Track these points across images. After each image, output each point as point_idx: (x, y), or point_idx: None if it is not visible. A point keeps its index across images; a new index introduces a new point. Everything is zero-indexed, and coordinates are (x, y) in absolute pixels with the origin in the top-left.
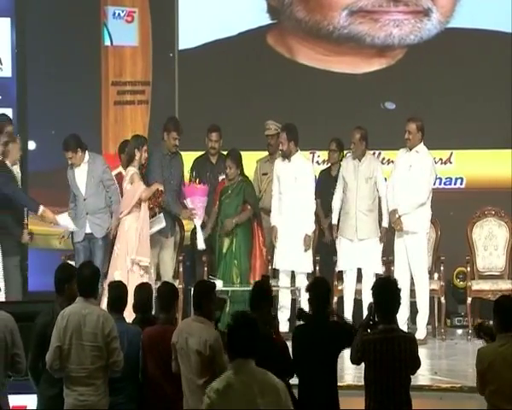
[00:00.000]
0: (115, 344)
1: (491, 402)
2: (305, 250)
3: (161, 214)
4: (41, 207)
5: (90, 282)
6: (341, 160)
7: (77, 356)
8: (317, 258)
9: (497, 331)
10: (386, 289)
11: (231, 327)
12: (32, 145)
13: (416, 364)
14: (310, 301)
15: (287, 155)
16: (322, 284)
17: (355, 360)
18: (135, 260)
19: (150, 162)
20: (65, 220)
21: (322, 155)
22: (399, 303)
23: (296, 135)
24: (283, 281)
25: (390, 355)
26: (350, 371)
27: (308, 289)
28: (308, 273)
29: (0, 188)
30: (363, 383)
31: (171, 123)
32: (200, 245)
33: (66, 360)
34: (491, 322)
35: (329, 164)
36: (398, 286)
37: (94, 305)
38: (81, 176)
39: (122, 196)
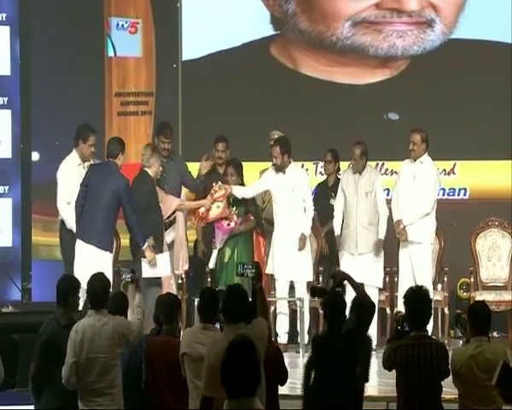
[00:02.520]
0: (133, 335)
1: (462, 403)
2: (300, 249)
3: (166, 254)
4: (146, 243)
5: (101, 294)
6: (337, 170)
7: (94, 369)
8: (321, 268)
9: (471, 335)
10: (418, 298)
11: (226, 298)
12: (35, 156)
13: (447, 372)
14: (325, 316)
15: (281, 168)
16: (338, 297)
17: (386, 366)
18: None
19: None
20: (164, 263)
21: None
22: (431, 312)
23: (289, 147)
24: (281, 290)
25: (422, 361)
26: None
27: (323, 303)
28: (308, 282)
29: (129, 202)
30: (370, 393)
31: (159, 127)
32: (212, 265)
33: (82, 374)
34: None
35: (326, 175)
36: (430, 296)
37: (106, 316)
38: None
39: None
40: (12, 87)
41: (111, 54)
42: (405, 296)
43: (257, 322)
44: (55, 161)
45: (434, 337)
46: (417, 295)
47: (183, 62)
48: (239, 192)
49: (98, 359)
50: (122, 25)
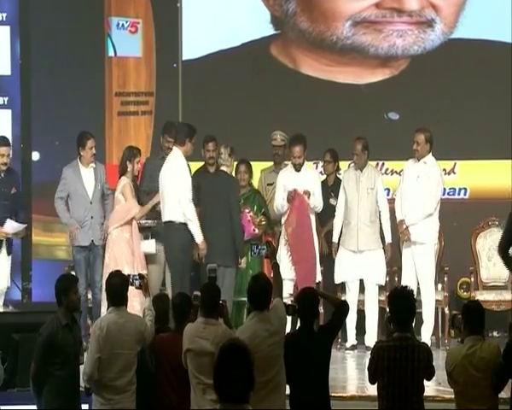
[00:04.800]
0: (148, 335)
1: (459, 402)
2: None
3: (153, 240)
4: None
5: (120, 291)
6: (337, 170)
7: (116, 365)
8: (321, 268)
9: (465, 335)
10: (402, 299)
11: (250, 286)
12: (35, 156)
13: (430, 372)
14: (298, 311)
15: (299, 168)
16: (310, 294)
17: (370, 373)
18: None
19: (143, 171)
20: (149, 247)
21: None
22: (415, 313)
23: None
24: (286, 290)
25: (403, 363)
26: (353, 382)
27: (296, 299)
28: (317, 284)
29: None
30: (366, 393)
31: (165, 126)
32: None
33: (104, 370)
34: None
35: (325, 175)
36: (414, 296)
37: (126, 313)
38: (88, 179)
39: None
40: (12, 87)
41: (111, 53)
42: (389, 297)
43: (276, 305)
44: (56, 161)
45: (434, 336)
46: (401, 296)
47: (183, 62)
48: (277, 215)
49: (121, 355)
50: (122, 24)
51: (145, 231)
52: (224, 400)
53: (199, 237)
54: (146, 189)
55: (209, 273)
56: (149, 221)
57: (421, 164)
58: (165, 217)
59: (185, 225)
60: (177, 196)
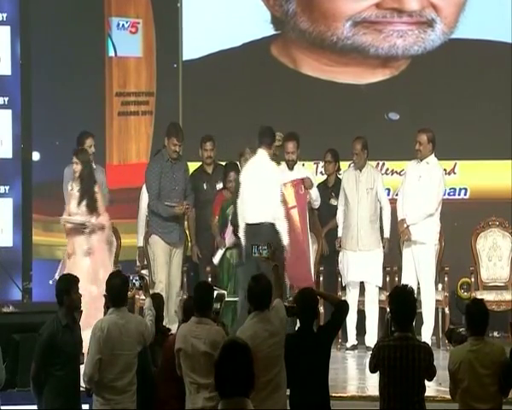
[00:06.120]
0: (148, 336)
1: (463, 401)
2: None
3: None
4: None
5: (120, 291)
6: (337, 170)
7: (116, 366)
8: (321, 268)
9: (468, 335)
10: (402, 298)
11: (251, 286)
12: (36, 156)
13: (431, 372)
14: (297, 312)
15: (292, 166)
16: (309, 294)
17: (371, 367)
18: None
19: (148, 172)
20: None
21: None
22: (415, 312)
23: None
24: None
25: (404, 362)
26: (353, 382)
27: (295, 300)
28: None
29: None
30: (366, 393)
31: (171, 129)
32: (216, 260)
33: (105, 371)
34: (461, 329)
35: (326, 175)
36: (415, 295)
37: (127, 313)
38: None
39: None
40: (12, 87)
41: (111, 54)
42: (390, 296)
43: (277, 305)
44: (56, 161)
45: (435, 336)
46: (402, 295)
47: (184, 62)
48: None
49: (122, 356)
50: (122, 25)
51: (82, 228)
52: (223, 395)
53: (286, 237)
54: (157, 190)
55: (215, 301)
56: (77, 217)
57: (424, 164)
58: (253, 219)
59: (273, 225)
60: (267, 195)
